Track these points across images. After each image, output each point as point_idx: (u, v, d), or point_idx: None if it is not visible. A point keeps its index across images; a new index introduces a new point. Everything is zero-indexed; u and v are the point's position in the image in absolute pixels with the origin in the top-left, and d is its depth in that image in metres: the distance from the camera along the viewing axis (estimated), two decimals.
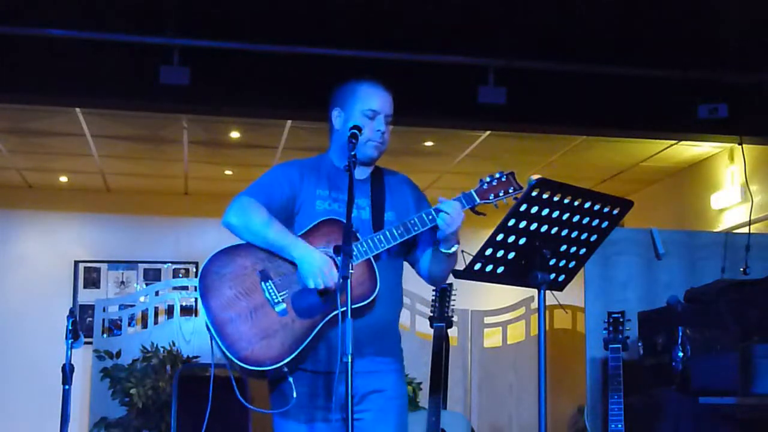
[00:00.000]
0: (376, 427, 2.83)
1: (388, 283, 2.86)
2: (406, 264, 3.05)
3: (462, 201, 2.86)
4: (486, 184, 2.91)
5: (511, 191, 2.91)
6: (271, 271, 2.78)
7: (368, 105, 2.93)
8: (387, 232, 2.81)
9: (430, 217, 2.82)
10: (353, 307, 2.64)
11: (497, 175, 2.92)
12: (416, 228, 2.82)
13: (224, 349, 2.68)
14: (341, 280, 2.52)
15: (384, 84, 3.01)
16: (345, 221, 2.63)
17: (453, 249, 2.85)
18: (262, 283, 2.77)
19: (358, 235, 2.79)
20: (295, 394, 2.69)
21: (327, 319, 2.72)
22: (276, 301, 2.74)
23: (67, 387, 4.17)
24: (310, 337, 2.71)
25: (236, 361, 2.67)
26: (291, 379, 2.70)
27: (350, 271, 2.53)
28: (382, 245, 2.80)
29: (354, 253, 2.72)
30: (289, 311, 2.73)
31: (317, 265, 2.72)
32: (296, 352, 2.69)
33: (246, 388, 2.86)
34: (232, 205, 2.87)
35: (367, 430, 2.80)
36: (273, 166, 3.04)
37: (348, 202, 2.63)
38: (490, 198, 2.89)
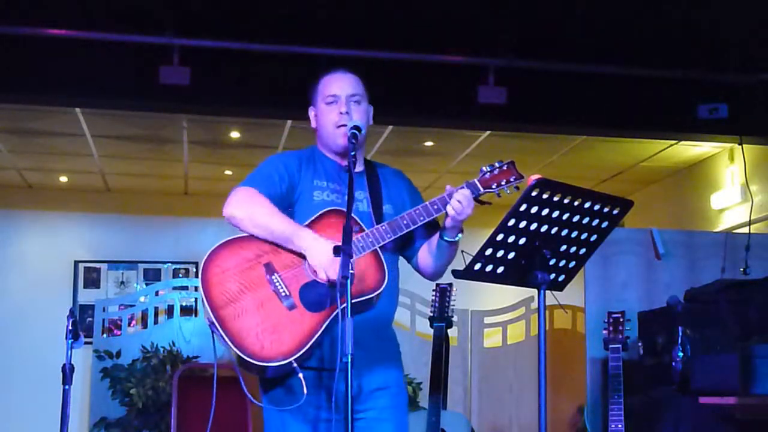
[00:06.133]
0: (380, 425, 2.81)
1: (391, 276, 2.82)
2: (402, 261, 3.02)
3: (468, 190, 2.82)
4: (488, 173, 2.86)
5: (512, 180, 2.86)
6: (276, 263, 2.70)
7: (326, 92, 2.93)
8: (393, 223, 2.77)
9: (436, 206, 2.78)
10: (360, 299, 2.61)
11: (497, 164, 2.87)
12: (422, 218, 2.78)
13: (232, 345, 2.58)
14: (342, 280, 2.47)
15: (346, 68, 2.99)
16: (348, 214, 2.58)
17: (458, 237, 2.83)
18: (268, 276, 2.68)
19: (363, 225, 2.75)
20: (305, 390, 2.60)
21: (336, 313, 2.62)
22: (284, 294, 2.66)
23: (67, 387, 4.17)
24: (320, 331, 2.63)
25: (245, 357, 2.57)
26: (302, 375, 2.60)
27: (351, 271, 2.49)
28: (389, 236, 2.75)
29: (360, 245, 2.70)
30: (298, 305, 2.66)
31: (327, 256, 2.62)
32: (307, 347, 2.61)
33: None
34: (233, 196, 2.80)
35: (371, 429, 2.79)
36: (269, 156, 2.98)
37: (348, 202, 2.60)
38: (493, 187, 2.84)
